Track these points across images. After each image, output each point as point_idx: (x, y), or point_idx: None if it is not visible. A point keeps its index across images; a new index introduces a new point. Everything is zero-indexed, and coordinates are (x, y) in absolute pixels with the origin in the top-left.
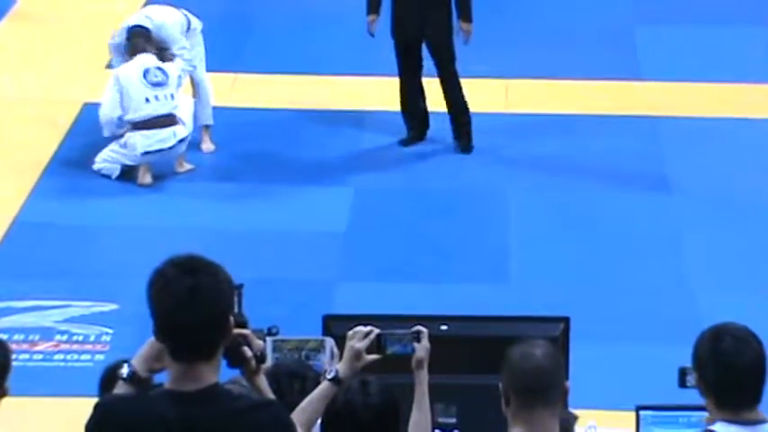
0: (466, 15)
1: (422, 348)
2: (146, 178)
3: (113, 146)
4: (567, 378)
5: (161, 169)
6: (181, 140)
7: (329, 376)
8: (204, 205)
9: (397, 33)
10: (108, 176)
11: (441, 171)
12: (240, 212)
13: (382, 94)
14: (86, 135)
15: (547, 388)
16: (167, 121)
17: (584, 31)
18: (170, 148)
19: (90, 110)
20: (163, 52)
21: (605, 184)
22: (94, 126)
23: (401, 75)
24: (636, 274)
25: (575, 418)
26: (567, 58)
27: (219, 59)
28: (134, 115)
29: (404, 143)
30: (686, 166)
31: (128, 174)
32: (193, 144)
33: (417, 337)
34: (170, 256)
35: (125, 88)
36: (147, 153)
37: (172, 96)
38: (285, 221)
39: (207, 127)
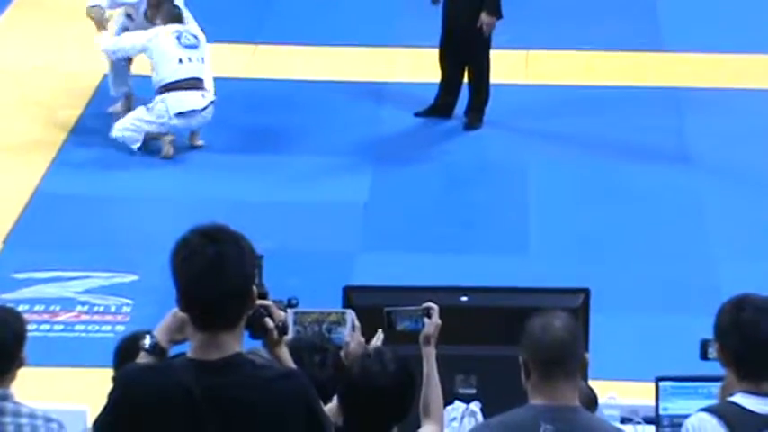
0: (488, 7)
1: (431, 324)
2: (169, 151)
3: (140, 113)
4: (586, 350)
5: (179, 141)
6: (211, 103)
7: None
8: (224, 177)
9: (443, 8)
10: (129, 146)
11: (461, 142)
12: (260, 183)
13: (403, 65)
14: (106, 106)
15: (567, 359)
16: (195, 83)
17: (606, 1)
18: (202, 109)
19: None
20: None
21: (626, 155)
22: (115, 97)
23: (439, 44)
24: (656, 246)
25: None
26: (588, 28)
27: (240, 30)
28: (166, 76)
29: (419, 113)
30: (707, 137)
31: (146, 147)
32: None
33: (428, 313)
34: (193, 225)
35: (157, 50)
36: (180, 114)
37: (202, 60)
38: (306, 192)
39: None
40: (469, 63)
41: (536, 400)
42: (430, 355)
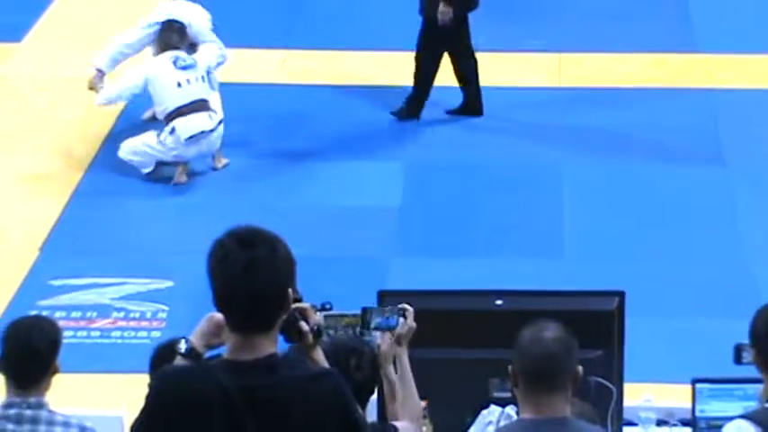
0: None
1: (405, 325)
2: (182, 177)
3: (149, 140)
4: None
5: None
6: (220, 121)
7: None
8: (258, 182)
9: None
10: (139, 170)
11: (494, 145)
12: (294, 189)
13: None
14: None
15: (554, 373)
16: (200, 105)
17: (638, 3)
18: (212, 130)
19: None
20: (192, 48)
21: (660, 158)
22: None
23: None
24: (691, 248)
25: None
26: (621, 30)
27: (270, 36)
28: (169, 104)
29: (451, 111)
30: (742, 138)
31: (157, 172)
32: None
33: (404, 314)
34: (230, 227)
35: (155, 81)
36: (190, 138)
37: (203, 79)
38: (339, 197)
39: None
40: (452, 58)
41: (524, 414)
42: (402, 354)
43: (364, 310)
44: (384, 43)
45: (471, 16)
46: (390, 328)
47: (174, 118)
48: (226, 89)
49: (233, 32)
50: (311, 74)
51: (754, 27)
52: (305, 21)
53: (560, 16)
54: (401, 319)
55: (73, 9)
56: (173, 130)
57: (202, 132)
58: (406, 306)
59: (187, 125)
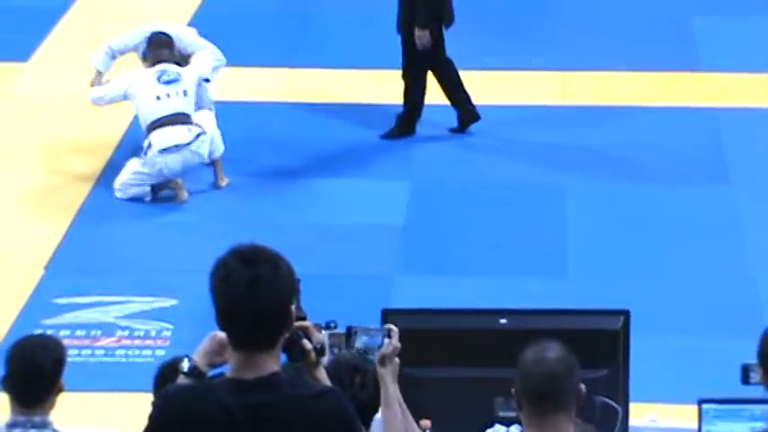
0: (418, 20)
1: (390, 345)
2: (182, 194)
3: (134, 166)
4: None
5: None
6: (198, 135)
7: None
8: (261, 200)
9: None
10: (141, 200)
11: (497, 163)
12: (296, 207)
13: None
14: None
15: (557, 393)
16: (179, 118)
17: (642, 22)
18: (188, 143)
19: None
20: (184, 61)
21: (664, 176)
22: None
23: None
24: (696, 266)
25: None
26: (625, 49)
27: (276, 54)
28: (148, 117)
29: (454, 129)
30: (745, 156)
31: (157, 195)
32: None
33: (389, 334)
34: (233, 246)
35: (137, 94)
36: (164, 150)
37: (185, 93)
38: (342, 215)
39: (216, 160)
40: (433, 71)
41: None
42: (384, 375)
43: (349, 329)
44: (387, 62)
45: (477, 35)
46: (374, 348)
47: (154, 129)
48: (228, 107)
49: (237, 51)
50: (314, 92)
51: (758, 46)
52: (309, 40)
53: (565, 34)
54: (386, 340)
55: (79, 29)
56: (149, 145)
57: (177, 146)
58: (392, 326)
59: (162, 137)
